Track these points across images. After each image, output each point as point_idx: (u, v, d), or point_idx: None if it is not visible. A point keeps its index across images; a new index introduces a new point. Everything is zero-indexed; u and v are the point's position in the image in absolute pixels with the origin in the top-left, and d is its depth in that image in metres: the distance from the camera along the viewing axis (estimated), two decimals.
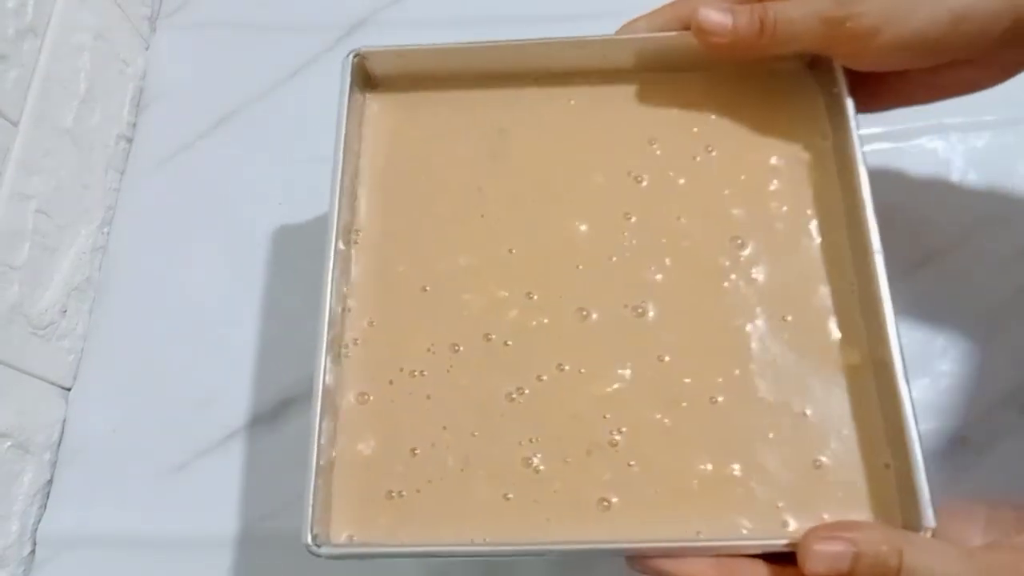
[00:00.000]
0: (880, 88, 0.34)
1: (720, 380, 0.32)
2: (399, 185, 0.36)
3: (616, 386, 0.32)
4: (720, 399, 0.31)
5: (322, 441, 0.30)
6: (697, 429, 0.31)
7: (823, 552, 0.27)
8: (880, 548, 0.26)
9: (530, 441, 0.31)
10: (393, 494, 0.31)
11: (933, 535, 0.27)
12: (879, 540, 0.27)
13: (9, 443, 0.39)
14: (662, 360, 0.32)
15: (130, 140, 0.49)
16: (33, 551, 0.40)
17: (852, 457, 0.30)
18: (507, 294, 0.33)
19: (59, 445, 0.42)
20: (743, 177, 0.35)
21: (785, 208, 0.34)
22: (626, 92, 0.37)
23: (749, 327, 0.32)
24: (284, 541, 0.39)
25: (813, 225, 0.34)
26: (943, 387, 0.39)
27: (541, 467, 0.31)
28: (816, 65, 0.36)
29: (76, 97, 0.44)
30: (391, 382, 0.32)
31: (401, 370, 0.33)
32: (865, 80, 0.33)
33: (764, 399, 0.31)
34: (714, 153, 0.35)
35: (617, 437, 0.31)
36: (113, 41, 0.47)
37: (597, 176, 0.35)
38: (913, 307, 0.40)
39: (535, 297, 0.33)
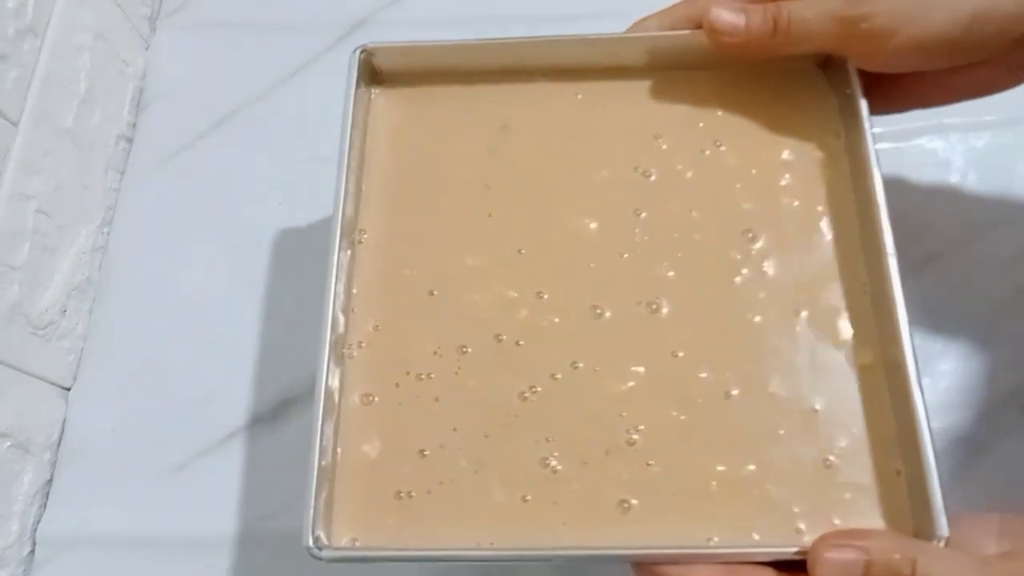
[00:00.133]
0: (893, 89, 0.34)
1: (734, 375, 0.31)
2: (404, 183, 0.36)
3: (631, 384, 0.32)
4: (734, 393, 0.31)
5: (324, 442, 0.30)
6: (713, 426, 0.31)
7: (834, 560, 0.27)
8: (892, 557, 0.26)
9: (547, 440, 0.31)
10: (402, 495, 0.31)
11: (946, 544, 0.27)
12: (891, 548, 0.26)
13: (9, 443, 0.39)
14: (676, 356, 0.32)
15: (130, 140, 0.49)
16: (33, 551, 0.40)
17: (863, 458, 0.30)
18: (516, 294, 0.33)
19: (59, 445, 0.42)
20: (754, 171, 0.34)
21: (797, 203, 0.34)
22: (633, 88, 0.36)
23: (761, 321, 0.32)
24: (284, 541, 0.39)
25: (825, 222, 0.33)
26: (943, 387, 0.39)
27: (559, 467, 0.30)
28: (828, 64, 0.35)
29: (76, 97, 0.44)
30: (397, 385, 0.32)
31: (408, 373, 0.32)
32: (878, 81, 0.33)
33: (776, 394, 0.31)
34: (723, 148, 0.35)
35: (635, 436, 0.31)
36: (113, 41, 0.47)
37: (603, 171, 0.35)
38: (913, 307, 0.40)
39: (546, 296, 0.33)
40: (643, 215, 0.34)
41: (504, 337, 0.32)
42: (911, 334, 0.29)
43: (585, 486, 0.30)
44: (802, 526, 0.29)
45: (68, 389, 0.43)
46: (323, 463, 0.30)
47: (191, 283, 0.45)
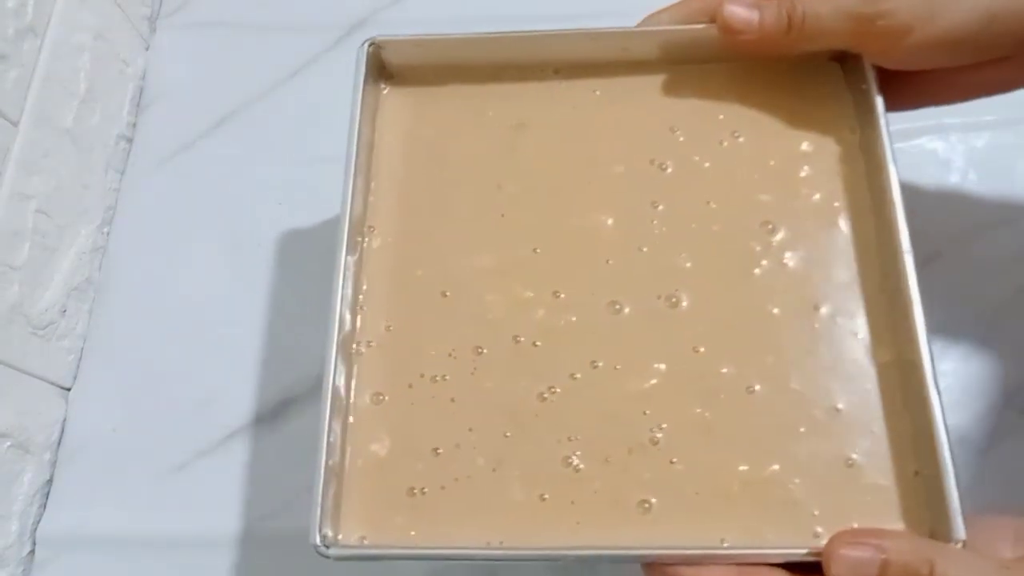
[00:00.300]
0: (906, 86, 0.33)
1: (755, 370, 0.31)
2: (415, 182, 0.35)
3: (653, 381, 0.31)
4: (757, 388, 0.31)
5: (331, 440, 0.30)
6: (736, 423, 0.30)
7: (849, 557, 0.26)
8: (910, 557, 0.26)
9: (568, 440, 0.30)
10: (415, 491, 0.30)
11: (963, 547, 0.27)
12: (909, 549, 0.26)
13: (9, 443, 0.39)
14: (697, 351, 0.31)
15: (130, 140, 0.48)
16: (33, 551, 0.40)
17: (883, 459, 0.29)
18: (532, 294, 0.33)
19: (59, 445, 0.42)
20: (772, 162, 0.34)
21: (817, 196, 0.33)
22: (647, 82, 0.36)
23: (781, 314, 0.32)
24: (284, 541, 0.39)
25: (843, 217, 0.33)
26: (943, 387, 0.38)
27: (581, 466, 0.30)
28: (842, 59, 0.35)
29: (76, 97, 0.44)
30: (410, 386, 0.32)
31: (422, 376, 0.32)
32: (891, 77, 0.33)
33: (797, 390, 0.31)
34: (741, 139, 0.34)
35: (659, 435, 0.30)
36: (113, 41, 0.47)
37: (618, 167, 0.35)
38: None
39: (562, 295, 0.33)
40: (660, 207, 0.34)
41: (521, 338, 0.32)
42: (927, 333, 0.29)
43: (606, 485, 0.30)
44: (820, 529, 0.29)
45: (68, 389, 0.43)
46: (330, 462, 0.29)
47: (191, 283, 0.45)
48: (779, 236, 0.33)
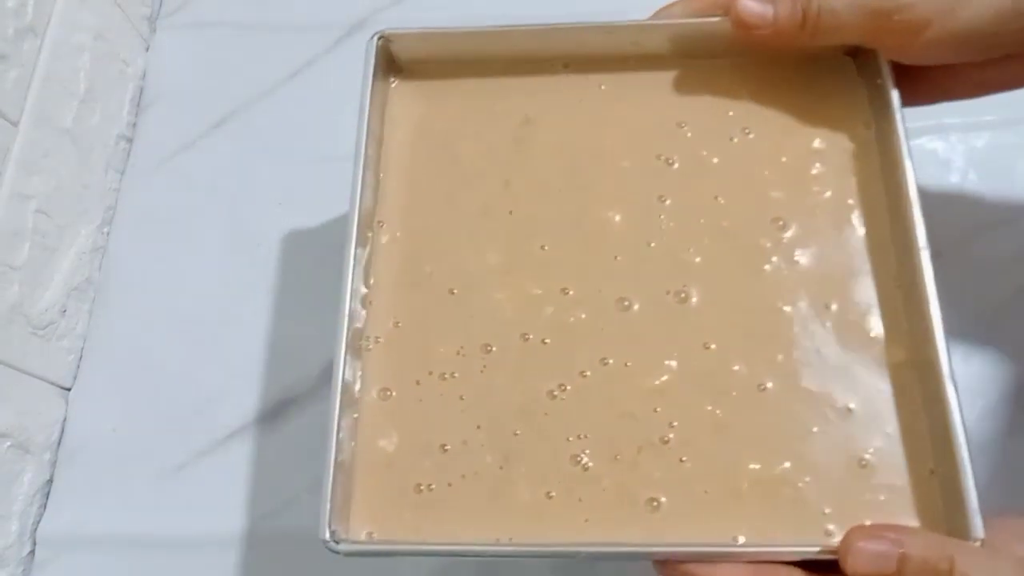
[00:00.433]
0: (921, 81, 0.33)
1: (766, 367, 0.31)
2: (424, 178, 0.35)
3: (664, 378, 0.31)
4: (769, 386, 0.30)
5: (340, 436, 0.29)
6: (747, 421, 0.30)
7: (867, 550, 0.26)
8: (929, 552, 0.25)
9: (578, 438, 0.30)
10: (422, 487, 0.30)
11: (981, 546, 0.26)
12: (928, 544, 0.26)
13: (9, 443, 0.39)
14: (708, 348, 0.31)
15: (130, 140, 0.48)
16: (33, 551, 0.40)
17: (897, 458, 0.29)
18: (541, 291, 0.33)
19: (59, 445, 0.42)
20: (784, 159, 0.34)
21: (828, 193, 0.33)
22: (657, 78, 0.36)
23: (792, 311, 0.31)
24: (285, 541, 0.39)
25: (856, 214, 0.33)
26: None
27: (590, 464, 0.30)
28: (857, 54, 0.34)
29: (76, 97, 0.44)
30: (418, 382, 0.32)
31: (430, 373, 0.32)
32: (905, 72, 0.32)
33: (809, 388, 0.30)
34: (752, 135, 0.34)
35: (669, 434, 0.30)
36: (113, 41, 0.47)
37: (624, 162, 0.34)
38: None
39: (571, 292, 0.32)
40: (668, 202, 0.33)
41: (530, 336, 0.32)
42: (945, 331, 0.29)
43: (615, 483, 0.30)
44: (832, 527, 0.29)
45: (68, 389, 0.43)
46: (339, 457, 0.29)
47: (191, 283, 0.45)
48: (790, 233, 0.33)
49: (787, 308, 0.32)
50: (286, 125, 0.48)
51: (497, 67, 0.36)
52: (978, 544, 0.26)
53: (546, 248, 0.33)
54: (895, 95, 0.32)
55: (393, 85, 0.37)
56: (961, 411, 0.28)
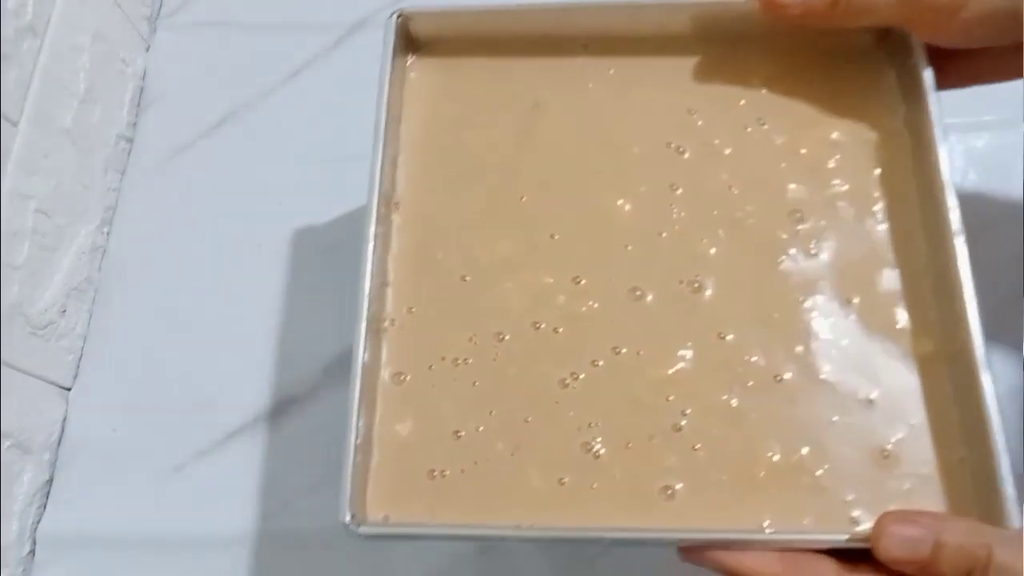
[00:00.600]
0: (949, 65, 0.32)
1: (784, 359, 0.30)
2: (436, 160, 0.35)
3: (678, 367, 0.31)
4: (786, 377, 0.30)
5: (360, 421, 0.29)
6: (764, 411, 0.30)
7: (901, 534, 0.25)
8: (966, 539, 0.24)
9: (589, 426, 0.30)
10: (435, 473, 0.30)
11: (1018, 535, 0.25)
12: (966, 531, 0.25)
13: (9, 443, 0.39)
14: (724, 338, 0.31)
15: (130, 140, 0.48)
16: (33, 551, 0.40)
17: (923, 449, 0.29)
18: (552, 280, 0.32)
19: (59, 445, 0.42)
20: (802, 151, 0.33)
21: (848, 186, 0.33)
22: (670, 64, 0.35)
23: (811, 305, 0.31)
24: (285, 541, 0.39)
25: (880, 206, 0.32)
26: None
27: (601, 452, 0.30)
28: (886, 38, 0.34)
29: (76, 97, 0.44)
30: (431, 367, 0.32)
31: (443, 359, 0.32)
32: (935, 56, 0.31)
33: (828, 381, 0.30)
34: (766, 126, 0.34)
35: (682, 421, 0.30)
36: (113, 41, 0.47)
37: (634, 149, 0.34)
38: None
39: (583, 282, 0.32)
40: (679, 191, 0.33)
41: (542, 324, 0.32)
42: (980, 318, 0.29)
43: (627, 471, 0.29)
44: (857, 513, 0.28)
45: (68, 389, 0.43)
46: (358, 441, 0.29)
47: (191, 283, 0.45)
48: (808, 225, 0.32)
49: (807, 300, 0.31)
50: (286, 125, 0.48)
51: (516, 47, 0.36)
52: (1014, 533, 0.25)
53: (556, 237, 0.33)
54: (929, 74, 0.31)
55: (411, 63, 0.36)
56: (996, 399, 0.27)
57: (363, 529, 0.28)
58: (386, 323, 0.32)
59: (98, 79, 0.46)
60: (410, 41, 0.36)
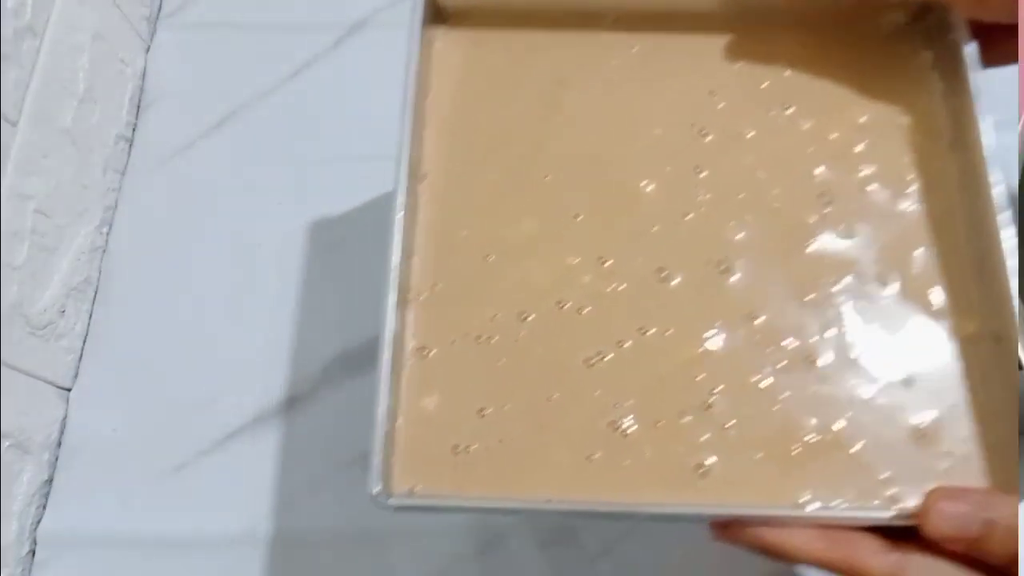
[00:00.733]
0: (990, 43, 0.31)
1: (816, 340, 0.30)
2: (462, 135, 0.34)
3: (707, 348, 0.30)
4: (819, 358, 0.30)
5: (388, 395, 0.29)
6: (797, 390, 0.30)
7: (950, 511, 0.24)
8: (1015, 517, 0.24)
9: (615, 405, 0.30)
10: (459, 449, 0.30)
11: None
12: (1014, 508, 0.24)
13: (9, 443, 0.39)
14: (754, 320, 0.31)
15: (130, 140, 0.48)
16: (32, 551, 0.40)
17: (962, 428, 0.28)
18: (578, 260, 0.32)
19: (59, 445, 0.42)
20: (829, 136, 0.33)
21: (876, 168, 0.32)
22: (696, 43, 0.35)
23: (844, 286, 0.31)
24: (285, 540, 0.39)
25: (914, 188, 0.32)
26: None
27: (630, 430, 0.29)
28: (922, 17, 0.33)
29: (75, 97, 0.44)
30: (453, 343, 0.31)
31: (467, 335, 0.31)
32: (974, 32, 0.31)
33: (862, 361, 0.30)
34: (791, 109, 0.34)
35: (712, 399, 0.30)
36: (113, 41, 0.47)
37: (656, 129, 0.34)
38: None
39: (609, 262, 0.32)
40: (704, 174, 0.33)
41: (567, 304, 0.31)
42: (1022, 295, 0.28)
43: (659, 448, 0.29)
44: (894, 491, 0.28)
45: (68, 389, 0.43)
46: (386, 413, 0.29)
47: (191, 283, 0.45)
48: (835, 208, 0.32)
49: (839, 282, 0.31)
50: (286, 125, 0.48)
51: (542, 19, 0.35)
52: None
53: (580, 217, 0.33)
54: (971, 50, 0.31)
55: (438, 34, 0.36)
56: None
57: (392, 500, 0.28)
58: (411, 296, 0.32)
59: (98, 79, 0.46)
60: (438, 12, 0.36)
